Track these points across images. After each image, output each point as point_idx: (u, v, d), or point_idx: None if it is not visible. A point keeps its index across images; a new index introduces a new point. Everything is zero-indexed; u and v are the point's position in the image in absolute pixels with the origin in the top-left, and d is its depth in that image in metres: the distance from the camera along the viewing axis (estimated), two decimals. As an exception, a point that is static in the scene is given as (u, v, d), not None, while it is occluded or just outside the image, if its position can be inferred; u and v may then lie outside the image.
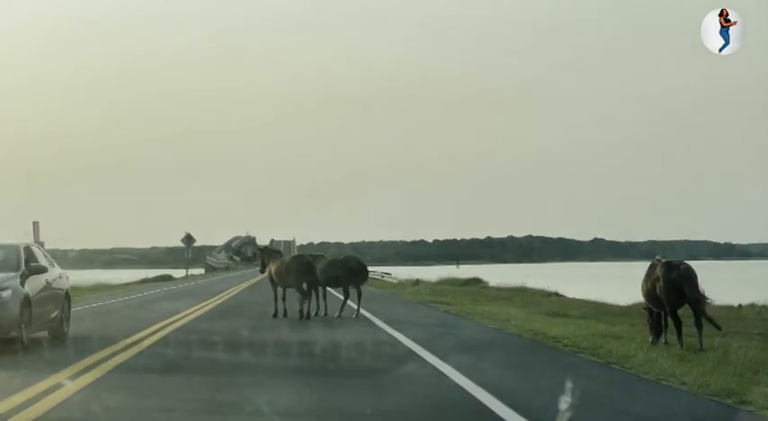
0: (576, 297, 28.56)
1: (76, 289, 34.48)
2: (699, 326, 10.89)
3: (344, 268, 17.49)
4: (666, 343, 11.44)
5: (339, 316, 16.83)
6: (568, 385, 7.35)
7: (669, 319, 11.46)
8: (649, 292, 11.51)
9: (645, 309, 11.98)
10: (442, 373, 8.87)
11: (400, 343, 11.99)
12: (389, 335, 13.27)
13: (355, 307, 17.17)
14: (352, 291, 17.34)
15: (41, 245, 26.26)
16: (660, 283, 11.15)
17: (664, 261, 11.43)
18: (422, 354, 10.43)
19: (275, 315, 16.87)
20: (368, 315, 16.97)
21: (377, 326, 14.87)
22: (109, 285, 40.34)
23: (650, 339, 11.68)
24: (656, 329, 11.64)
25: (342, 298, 17.74)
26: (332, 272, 17.35)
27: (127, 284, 43.38)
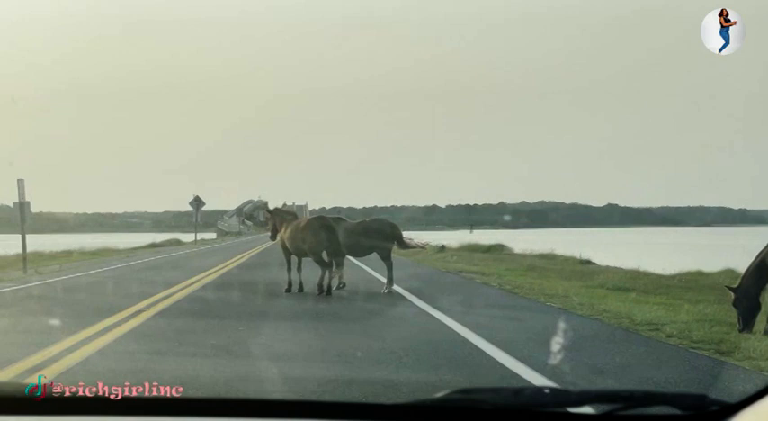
0: (610, 265, 25.86)
1: (69, 254, 32.25)
2: None
3: (377, 232, 14.73)
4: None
5: (389, 291, 14.00)
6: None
7: None
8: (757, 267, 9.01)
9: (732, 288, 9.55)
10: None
11: (458, 334, 9.25)
12: (439, 321, 10.54)
13: (384, 279, 14.51)
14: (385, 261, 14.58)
15: (28, 204, 23.82)
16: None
17: None
18: (494, 355, 7.66)
19: (288, 289, 14.12)
20: (400, 290, 14.23)
21: (418, 308, 12.12)
22: (115, 249, 37.90)
23: (738, 328, 9.20)
24: (749, 315, 9.34)
25: (365, 268, 14.96)
26: (361, 237, 14.60)
27: (134, 249, 40.92)
